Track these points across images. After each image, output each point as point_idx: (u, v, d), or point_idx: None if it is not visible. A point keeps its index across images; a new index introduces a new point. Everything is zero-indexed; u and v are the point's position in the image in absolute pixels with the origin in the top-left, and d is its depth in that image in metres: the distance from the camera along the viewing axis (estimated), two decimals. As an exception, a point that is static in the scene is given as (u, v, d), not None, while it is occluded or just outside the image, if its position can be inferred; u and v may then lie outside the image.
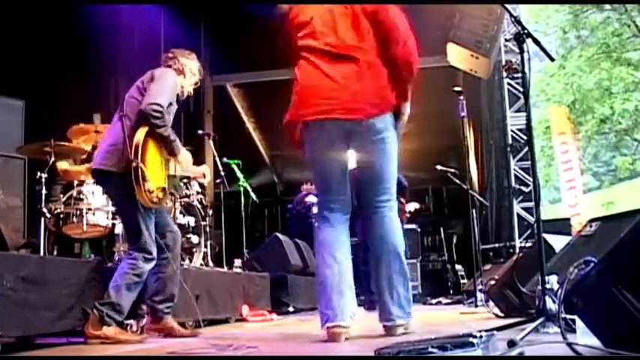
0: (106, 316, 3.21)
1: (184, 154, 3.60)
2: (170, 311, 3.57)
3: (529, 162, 8.38)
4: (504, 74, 8.97)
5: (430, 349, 1.71)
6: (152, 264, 3.41)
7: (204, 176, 4.02)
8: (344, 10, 3.04)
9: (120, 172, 3.31)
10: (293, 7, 3.17)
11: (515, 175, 9.11)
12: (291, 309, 6.62)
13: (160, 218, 3.57)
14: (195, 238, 5.33)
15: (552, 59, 3.11)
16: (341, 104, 2.93)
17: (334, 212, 3.11)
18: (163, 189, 3.44)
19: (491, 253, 8.78)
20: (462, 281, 8.59)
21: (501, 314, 4.12)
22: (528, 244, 8.53)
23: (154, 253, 3.42)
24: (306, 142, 3.06)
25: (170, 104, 3.46)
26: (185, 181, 5.38)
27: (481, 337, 1.73)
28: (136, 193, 3.24)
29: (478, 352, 1.70)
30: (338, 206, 3.11)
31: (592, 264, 2.06)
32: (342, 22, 3.03)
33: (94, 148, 4.86)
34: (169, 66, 3.65)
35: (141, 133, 3.29)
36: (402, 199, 6.65)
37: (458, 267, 8.93)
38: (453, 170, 6.97)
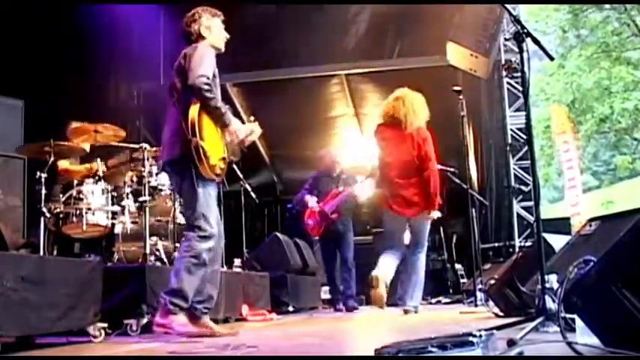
0: (169, 303, 3.23)
1: (235, 125, 3.52)
2: (208, 312, 3.54)
3: (529, 161, 8.38)
4: (504, 73, 8.96)
5: (430, 349, 1.70)
6: (210, 242, 3.37)
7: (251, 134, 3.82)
8: None
9: (182, 156, 3.33)
10: None
11: (515, 175, 9.10)
12: (290, 309, 6.61)
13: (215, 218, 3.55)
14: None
15: (552, 58, 3.10)
16: None
17: None
18: (223, 158, 3.47)
19: (490, 253, 8.77)
20: (461, 280, 8.57)
21: (501, 313, 4.12)
22: (528, 244, 8.53)
23: (210, 231, 3.37)
24: None
25: (214, 77, 3.43)
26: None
27: (481, 336, 1.73)
28: (199, 170, 3.28)
29: (478, 352, 1.70)
30: None
31: (591, 263, 2.06)
32: None
33: (93, 147, 4.87)
34: (193, 37, 3.56)
35: (194, 110, 3.27)
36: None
37: (458, 266, 8.90)
38: (452, 170, 6.95)
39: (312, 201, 6.65)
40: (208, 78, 3.32)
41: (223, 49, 3.67)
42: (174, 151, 3.40)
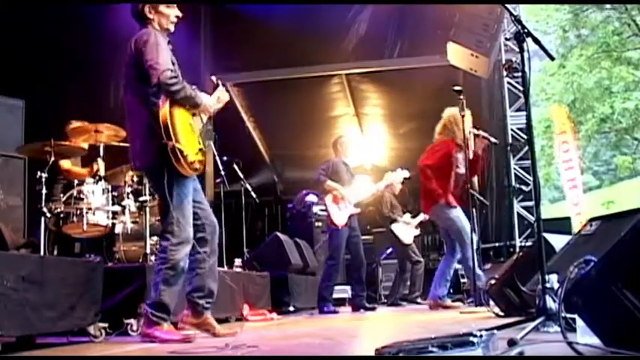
0: (151, 315, 3.22)
1: (206, 100, 3.48)
2: (210, 307, 3.51)
3: (529, 161, 8.37)
4: (504, 73, 8.95)
5: (430, 349, 1.70)
6: (186, 248, 3.31)
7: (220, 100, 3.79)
8: None
9: (155, 164, 3.29)
10: None
11: (516, 174, 9.10)
12: (291, 308, 6.61)
13: (203, 211, 3.50)
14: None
15: (552, 58, 3.10)
16: None
17: None
18: (200, 150, 3.40)
19: (491, 253, 8.77)
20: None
21: (501, 313, 4.11)
22: (528, 243, 8.53)
23: (184, 236, 3.30)
24: None
25: (173, 63, 3.34)
26: None
27: (481, 336, 1.73)
28: (179, 170, 3.23)
29: (478, 352, 1.69)
30: None
31: (592, 263, 2.05)
32: None
33: (93, 147, 4.87)
34: (143, 23, 3.44)
35: (164, 112, 3.21)
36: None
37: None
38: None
39: (343, 188, 6.29)
40: (172, 69, 3.25)
41: (172, 30, 3.50)
42: (147, 158, 3.32)
